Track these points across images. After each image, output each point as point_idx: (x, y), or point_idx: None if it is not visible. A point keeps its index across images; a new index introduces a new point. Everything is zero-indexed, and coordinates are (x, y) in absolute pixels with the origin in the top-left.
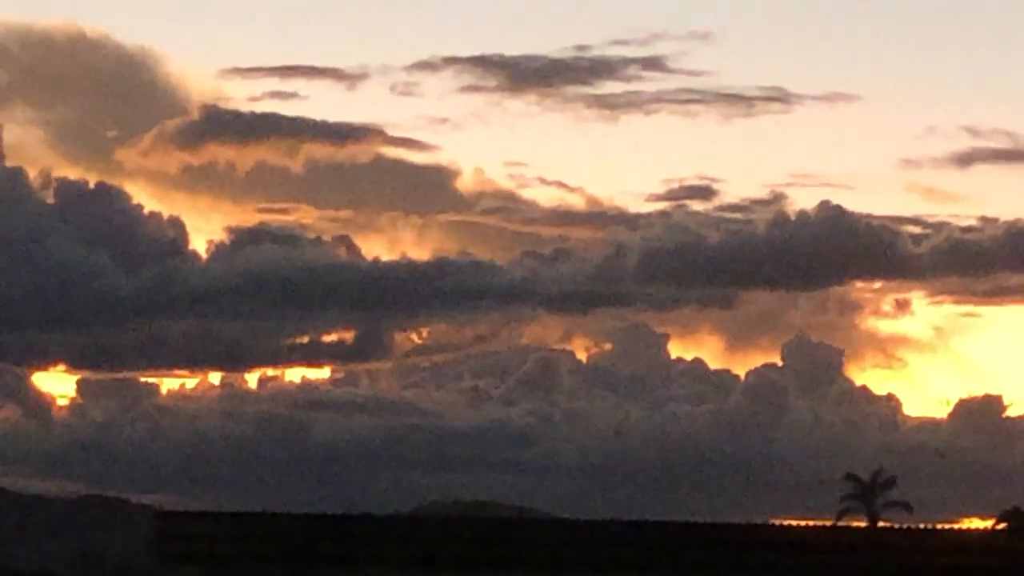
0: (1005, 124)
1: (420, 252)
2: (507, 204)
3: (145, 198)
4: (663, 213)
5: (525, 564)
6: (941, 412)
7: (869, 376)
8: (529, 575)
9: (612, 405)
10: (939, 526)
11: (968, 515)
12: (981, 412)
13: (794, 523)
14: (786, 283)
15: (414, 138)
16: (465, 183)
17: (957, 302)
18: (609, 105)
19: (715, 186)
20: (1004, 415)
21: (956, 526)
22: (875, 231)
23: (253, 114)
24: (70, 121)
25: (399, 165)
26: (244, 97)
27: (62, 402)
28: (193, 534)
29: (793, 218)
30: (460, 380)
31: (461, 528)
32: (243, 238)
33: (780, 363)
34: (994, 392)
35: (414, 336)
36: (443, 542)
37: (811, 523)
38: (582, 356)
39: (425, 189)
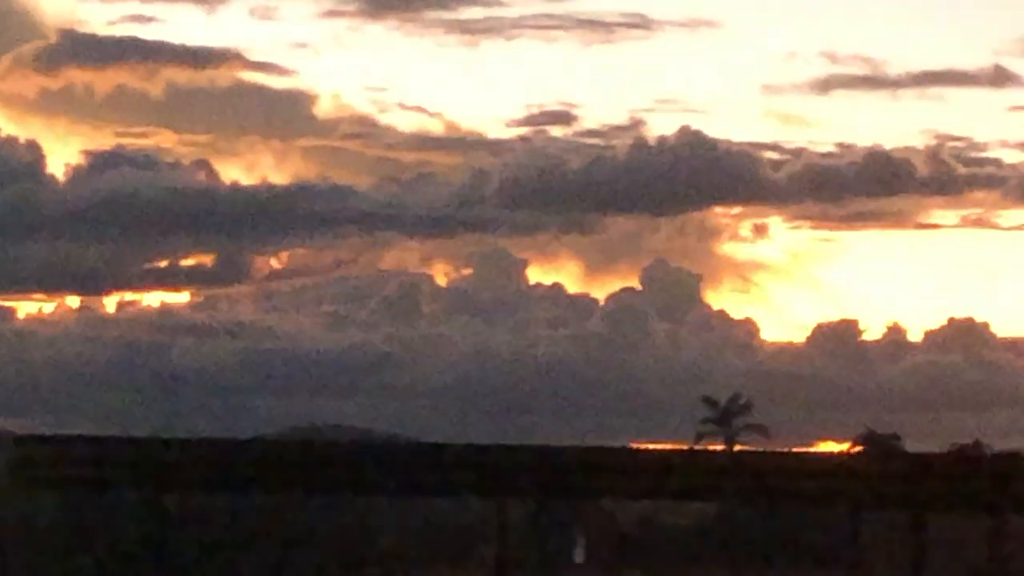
0: (864, 50)
1: (279, 177)
2: (367, 129)
3: (2, 121)
4: (523, 139)
5: (385, 488)
6: (798, 337)
7: (727, 301)
8: (389, 499)
9: (472, 330)
10: (795, 449)
11: (824, 438)
12: (837, 337)
13: (652, 446)
14: (646, 208)
15: (274, 62)
16: (324, 108)
17: (815, 227)
18: (470, 30)
19: (575, 112)
20: (860, 340)
21: (812, 449)
22: (734, 157)
23: (111, 38)
24: None
25: (258, 90)
26: (102, 21)
27: None
28: (50, 459)
29: (653, 144)
30: (320, 305)
31: (321, 452)
32: (101, 162)
33: (639, 288)
34: (850, 317)
35: (274, 261)
36: (303, 466)
37: (669, 446)
38: (442, 281)
39: (285, 114)
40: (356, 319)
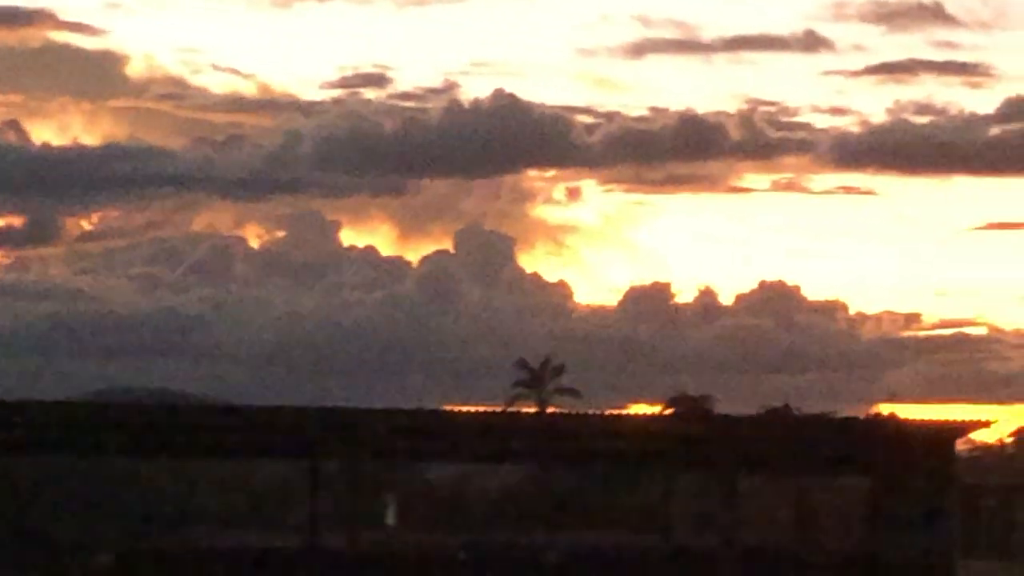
0: (677, 15)
1: (91, 138)
2: (179, 90)
3: None
4: (337, 101)
5: (198, 450)
6: (611, 300)
7: (540, 264)
8: (202, 460)
9: (285, 292)
10: (607, 412)
11: (636, 401)
12: (650, 299)
13: (465, 409)
14: (459, 171)
15: (86, 23)
16: (137, 69)
17: (628, 191)
18: None
19: (389, 74)
20: (672, 302)
21: (624, 412)
22: (548, 120)
23: None
24: None
25: (70, 50)
26: None
27: None
28: None
29: (467, 106)
30: (132, 266)
31: (133, 414)
32: None
33: (452, 251)
34: (663, 280)
35: (85, 222)
36: (115, 428)
37: (482, 408)
38: (255, 243)
39: (96, 74)
40: (168, 281)
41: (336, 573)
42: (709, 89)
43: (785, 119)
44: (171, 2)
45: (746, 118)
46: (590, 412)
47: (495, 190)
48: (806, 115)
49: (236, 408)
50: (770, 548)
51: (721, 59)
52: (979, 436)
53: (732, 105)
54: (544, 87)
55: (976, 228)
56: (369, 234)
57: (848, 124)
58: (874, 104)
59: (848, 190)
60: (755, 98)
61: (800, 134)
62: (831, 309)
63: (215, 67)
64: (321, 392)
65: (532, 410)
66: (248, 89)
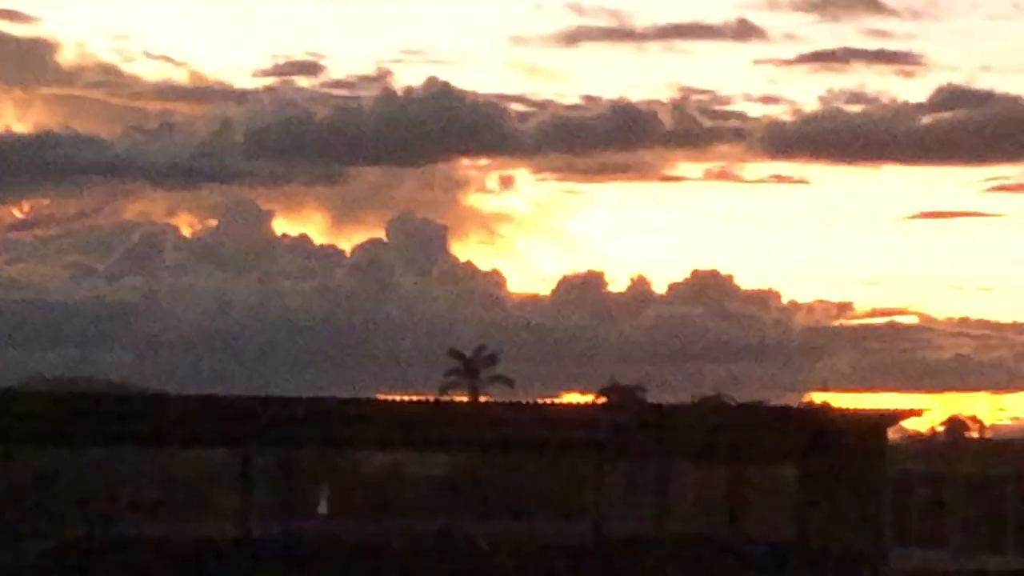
0: (610, 3)
1: (23, 126)
2: (112, 78)
3: None
4: (270, 89)
5: (129, 439)
6: (544, 288)
7: (474, 252)
8: (133, 449)
9: (217, 281)
10: (540, 400)
11: (569, 390)
12: (583, 288)
13: (399, 397)
14: (392, 160)
15: (16, 9)
16: (68, 56)
17: (561, 179)
18: None
19: (322, 62)
20: (605, 291)
21: (557, 400)
22: (481, 108)
23: None
24: None
25: (0, 37)
26: None
27: None
28: None
29: (400, 95)
30: (64, 255)
31: (65, 403)
32: None
33: (385, 239)
34: (596, 269)
35: (16, 211)
36: (45, 417)
37: (415, 397)
38: (187, 232)
39: (27, 62)
40: (100, 270)
41: (269, 562)
42: (642, 78)
43: (718, 108)
44: None
45: (679, 107)
46: (523, 401)
47: (428, 179)
48: (739, 104)
49: (168, 397)
50: (702, 536)
51: (654, 48)
52: (911, 424)
53: (665, 94)
54: (477, 75)
55: (908, 217)
56: (302, 223)
57: (780, 113)
58: (806, 93)
59: (780, 179)
60: (688, 87)
61: (733, 123)
62: (764, 298)
63: (148, 55)
64: (254, 381)
65: (465, 399)
66: (181, 77)
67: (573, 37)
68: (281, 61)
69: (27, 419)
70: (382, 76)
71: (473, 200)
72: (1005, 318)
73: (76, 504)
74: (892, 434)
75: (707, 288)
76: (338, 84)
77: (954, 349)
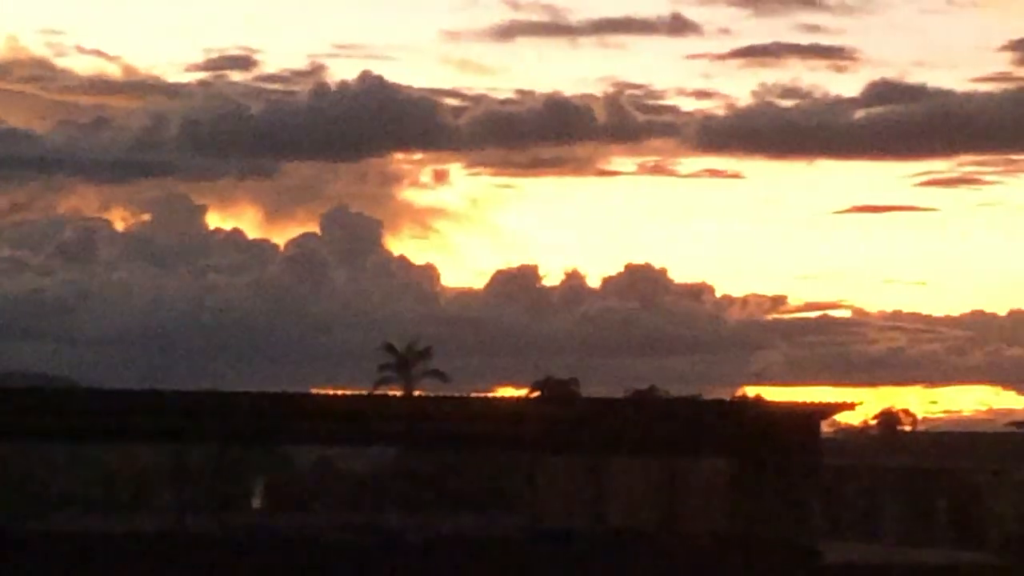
0: None
1: None
2: (43, 72)
3: None
4: (203, 83)
5: (60, 433)
6: (478, 282)
7: (407, 247)
8: (64, 445)
9: (150, 275)
10: (474, 395)
11: (503, 384)
12: (517, 282)
13: (331, 392)
14: (326, 154)
15: None
16: None
17: (495, 174)
18: None
19: (256, 57)
20: (539, 285)
21: (491, 395)
22: (415, 103)
23: None
24: None
25: None
26: None
27: None
28: None
29: (334, 89)
30: None
31: None
32: None
33: (319, 233)
34: (530, 263)
35: None
36: None
37: (348, 392)
38: (120, 226)
39: None
40: (32, 264)
41: (202, 557)
42: (576, 72)
43: (651, 102)
44: None
45: (613, 101)
46: (456, 395)
47: (362, 173)
48: (672, 98)
49: (100, 391)
50: (636, 529)
51: (588, 42)
52: (844, 418)
53: (599, 88)
54: (411, 70)
55: (841, 211)
56: (235, 217)
57: (714, 107)
58: (740, 87)
59: (714, 173)
60: (622, 81)
61: (666, 117)
62: (697, 292)
63: (80, 49)
64: (187, 375)
65: (398, 393)
66: (113, 71)
67: (507, 32)
68: (215, 55)
69: None
70: (316, 70)
71: (407, 194)
72: (938, 312)
73: (7, 500)
74: (825, 427)
75: (641, 282)
76: (272, 78)
77: (887, 343)
